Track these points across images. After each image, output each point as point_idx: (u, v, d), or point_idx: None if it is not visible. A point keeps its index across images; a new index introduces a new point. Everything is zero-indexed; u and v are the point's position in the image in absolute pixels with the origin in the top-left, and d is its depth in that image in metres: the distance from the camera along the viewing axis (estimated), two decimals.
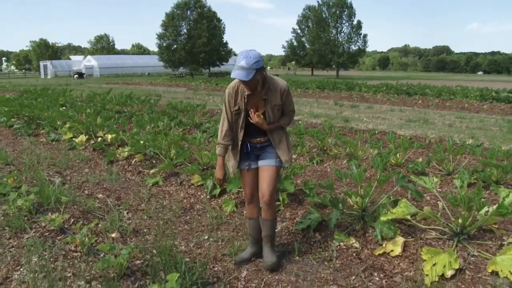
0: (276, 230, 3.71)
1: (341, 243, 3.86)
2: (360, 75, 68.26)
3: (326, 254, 3.71)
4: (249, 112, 3.28)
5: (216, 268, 3.52)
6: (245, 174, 3.51)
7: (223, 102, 3.40)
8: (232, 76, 3.03)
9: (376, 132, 9.70)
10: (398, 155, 6.60)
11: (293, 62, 74.55)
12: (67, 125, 9.34)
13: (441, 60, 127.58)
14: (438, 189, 5.04)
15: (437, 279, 3.13)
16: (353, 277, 3.34)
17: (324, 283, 3.28)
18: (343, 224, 4.17)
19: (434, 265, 3.22)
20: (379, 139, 8.16)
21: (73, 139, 8.59)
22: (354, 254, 3.72)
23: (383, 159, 4.75)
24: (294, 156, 7.15)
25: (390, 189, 4.98)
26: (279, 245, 3.93)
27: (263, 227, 3.49)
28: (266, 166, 3.37)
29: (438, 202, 4.39)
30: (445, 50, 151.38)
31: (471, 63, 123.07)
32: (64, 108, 12.97)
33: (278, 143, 3.38)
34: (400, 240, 3.71)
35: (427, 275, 3.18)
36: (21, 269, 3.42)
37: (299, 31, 66.86)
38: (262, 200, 3.38)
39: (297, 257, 3.69)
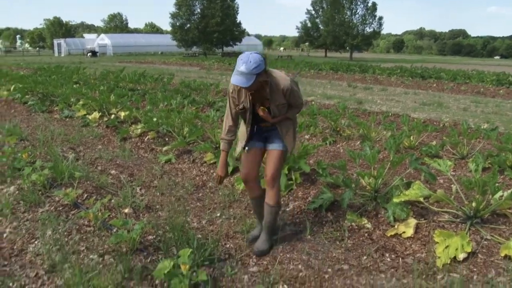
0: (278, 218, 3.66)
1: (353, 223, 3.85)
2: (374, 57, 67.44)
3: (338, 234, 3.70)
4: (256, 106, 3.23)
5: (228, 245, 3.54)
6: (245, 153, 3.47)
7: (227, 96, 3.34)
8: (231, 81, 2.93)
9: (390, 114, 9.59)
10: (411, 137, 6.52)
11: (307, 44, 73.67)
12: (81, 102, 9.36)
13: (457, 43, 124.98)
14: (451, 173, 4.98)
15: (449, 262, 3.11)
16: (365, 257, 3.34)
17: (336, 262, 3.28)
18: (356, 204, 4.15)
19: (446, 247, 3.19)
20: (393, 122, 8.07)
21: (87, 116, 8.62)
22: (366, 234, 3.71)
23: (396, 141, 4.70)
24: (306, 137, 7.14)
25: (403, 171, 4.93)
26: (291, 223, 3.94)
27: (264, 212, 3.45)
28: (273, 150, 3.35)
29: (452, 185, 4.35)
30: (462, 33, 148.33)
31: (488, 47, 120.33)
32: (77, 85, 13.01)
33: (285, 133, 3.34)
34: (412, 222, 3.68)
35: (439, 257, 3.16)
36: (36, 242, 3.46)
37: (313, 12, 65.78)
38: (265, 179, 3.38)
39: (309, 236, 3.69)
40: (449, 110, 11.22)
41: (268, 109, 3.21)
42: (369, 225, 3.82)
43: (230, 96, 3.26)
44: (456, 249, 3.15)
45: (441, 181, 4.89)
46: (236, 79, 2.89)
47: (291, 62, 33.50)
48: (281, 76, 3.16)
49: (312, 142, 6.78)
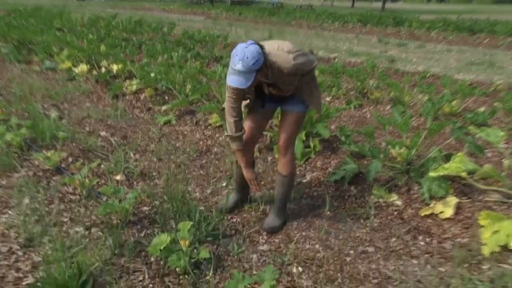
0: (292, 190, 3.67)
1: (381, 200, 3.83)
2: (412, 8, 66.04)
3: (362, 211, 3.69)
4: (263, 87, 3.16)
5: (234, 219, 3.55)
6: (252, 112, 3.39)
7: (225, 86, 3.23)
8: (228, 83, 2.80)
9: (428, 75, 9.42)
10: (453, 102, 6.40)
11: None
12: (65, 52, 9.30)
13: None
14: (503, 145, 4.89)
15: (498, 250, 3.03)
16: (394, 239, 3.32)
17: (359, 243, 3.27)
18: (384, 178, 4.12)
19: (495, 232, 3.10)
20: (431, 84, 7.91)
21: (72, 68, 8.58)
22: (396, 213, 3.69)
23: (435, 106, 4.60)
24: (328, 99, 7.07)
25: (441, 142, 4.86)
26: (307, 197, 3.93)
27: (276, 183, 3.46)
28: (289, 112, 3.27)
29: (503, 160, 4.27)
30: None
31: None
32: (61, 32, 12.91)
33: (309, 95, 3.23)
34: (452, 200, 3.63)
35: (485, 244, 3.07)
36: (10, 212, 3.48)
37: None
38: (277, 145, 3.34)
39: (328, 212, 3.68)
40: (503, 70, 10.93)
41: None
42: (399, 202, 3.79)
43: (231, 91, 3.09)
44: (508, 235, 3.07)
45: (489, 154, 4.80)
46: (233, 80, 2.75)
47: (312, 13, 32.91)
48: (282, 59, 2.92)
49: (334, 105, 6.70)
